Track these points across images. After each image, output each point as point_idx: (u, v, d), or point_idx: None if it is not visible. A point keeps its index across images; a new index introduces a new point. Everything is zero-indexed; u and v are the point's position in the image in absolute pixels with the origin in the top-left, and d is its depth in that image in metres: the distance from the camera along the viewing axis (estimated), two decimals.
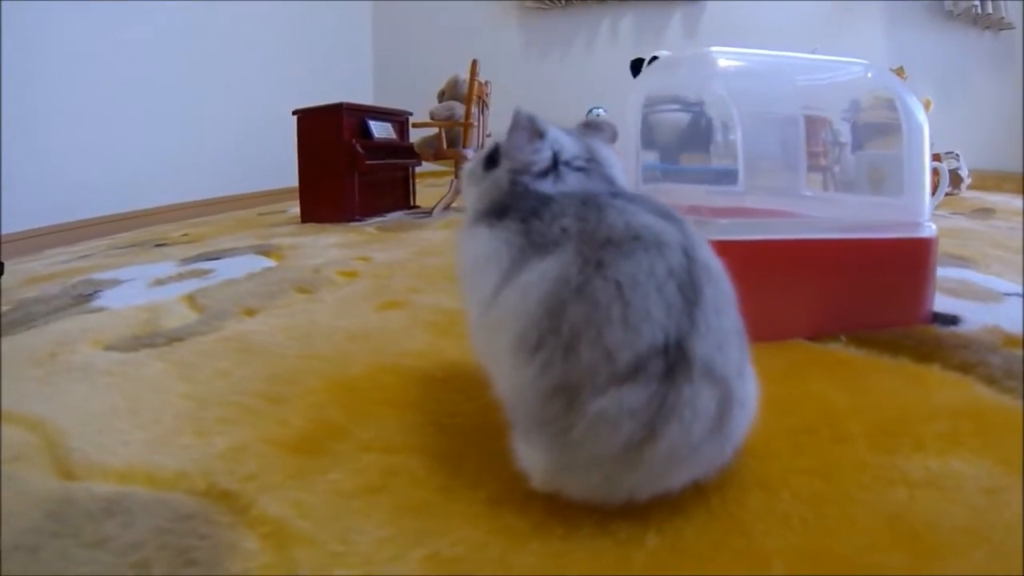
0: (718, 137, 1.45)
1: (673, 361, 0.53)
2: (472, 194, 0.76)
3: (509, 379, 0.60)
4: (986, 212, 2.98)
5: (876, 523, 0.56)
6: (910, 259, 1.12)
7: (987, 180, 4.61)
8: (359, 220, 2.74)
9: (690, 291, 0.56)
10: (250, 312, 1.30)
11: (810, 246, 1.07)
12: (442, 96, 3.09)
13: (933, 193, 2.73)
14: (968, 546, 0.53)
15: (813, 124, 1.74)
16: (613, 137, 0.79)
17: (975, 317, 1.15)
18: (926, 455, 0.67)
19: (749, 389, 0.61)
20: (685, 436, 0.53)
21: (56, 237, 2.67)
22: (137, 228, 3.04)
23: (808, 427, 0.74)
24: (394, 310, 1.27)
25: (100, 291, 1.56)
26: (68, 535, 0.58)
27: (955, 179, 3.80)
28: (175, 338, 1.14)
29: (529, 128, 0.69)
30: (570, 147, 0.71)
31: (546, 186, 0.68)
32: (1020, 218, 2.75)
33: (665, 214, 0.62)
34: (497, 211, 0.68)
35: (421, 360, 0.98)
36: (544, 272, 0.58)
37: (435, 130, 2.90)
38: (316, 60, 4.84)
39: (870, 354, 0.98)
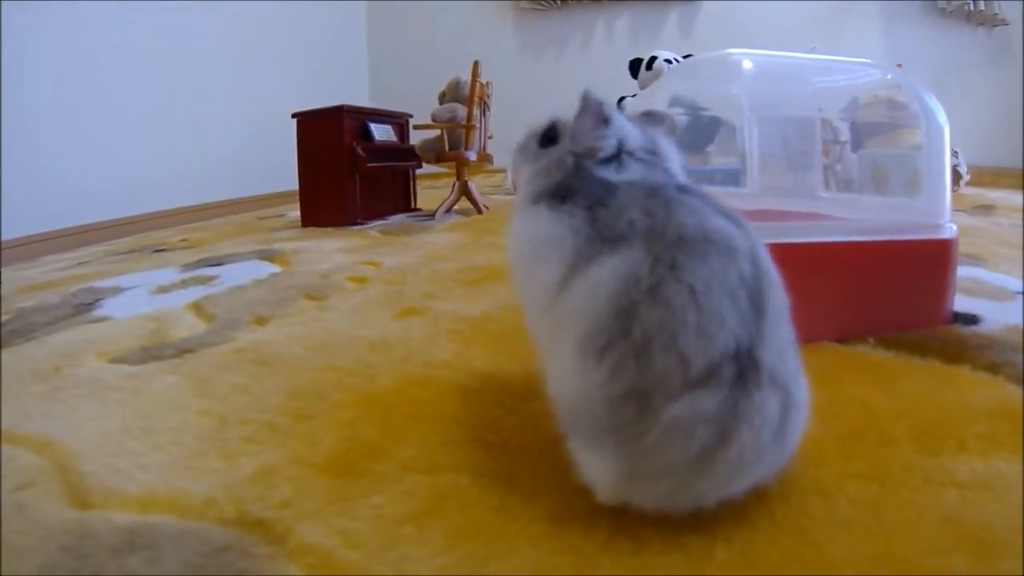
0: (738, 138, 1.44)
1: (744, 368, 0.51)
2: (525, 172, 0.72)
3: (572, 382, 0.56)
4: (987, 209, 2.99)
5: (934, 526, 0.55)
6: (933, 260, 1.11)
7: (984, 176, 4.62)
8: (360, 223, 2.70)
9: (758, 300, 0.54)
10: (261, 321, 1.25)
11: (837, 249, 1.06)
12: (443, 98, 3.04)
13: (955, 189, 2.70)
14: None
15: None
16: (671, 129, 0.75)
17: (994, 316, 1.15)
18: (970, 456, 0.66)
19: (804, 394, 0.59)
20: (754, 441, 0.52)
21: (52, 244, 2.61)
22: (134, 233, 2.99)
23: (854, 432, 0.72)
24: (414, 317, 1.21)
25: (102, 299, 1.51)
26: (90, 571, 0.53)
27: (954, 176, 3.82)
28: (185, 349, 1.09)
29: (597, 113, 0.66)
30: (635, 137, 0.68)
31: (609, 173, 0.64)
32: (1020, 215, 2.75)
33: (732, 217, 0.60)
34: (559, 193, 0.64)
35: (451, 371, 0.93)
36: (614, 268, 0.54)
37: (436, 132, 2.86)
38: (311, 63, 4.80)
39: (899, 356, 0.96)
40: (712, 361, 0.50)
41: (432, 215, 2.86)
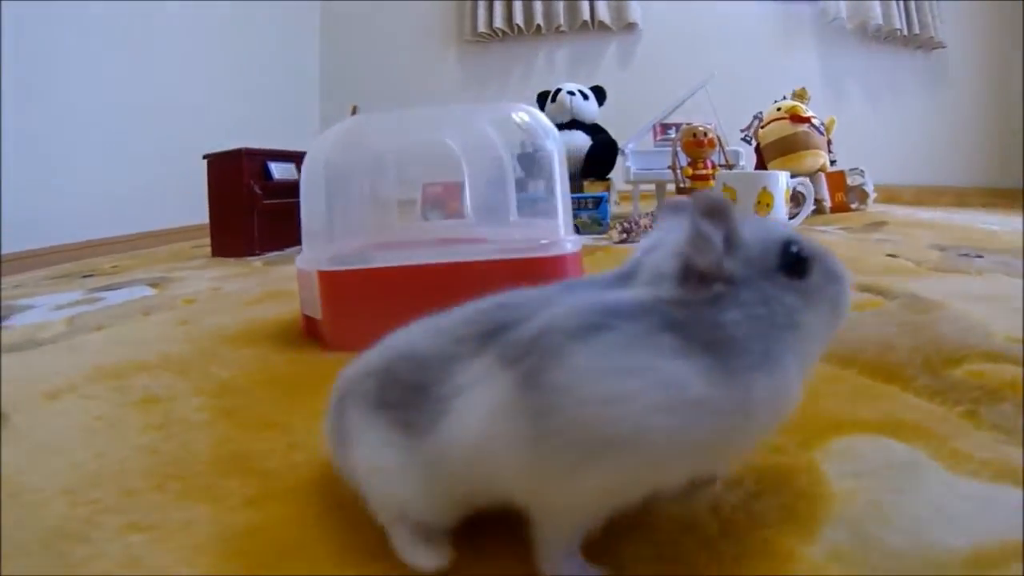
0: None
1: None
2: None
3: None
4: (875, 225, 3.23)
5: None
6: (547, 275, 1.17)
7: (918, 194, 5.05)
8: (258, 254, 3.22)
9: None
10: (100, 328, 1.74)
11: (431, 270, 1.25)
12: None
13: (798, 212, 3.22)
14: None
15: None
16: None
17: None
18: None
19: None
20: None
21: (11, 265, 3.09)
22: (88, 258, 3.47)
23: None
24: (182, 327, 1.68)
25: (12, 315, 2.00)
26: None
27: (861, 195, 4.25)
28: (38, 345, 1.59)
29: None
30: None
31: None
32: (907, 230, 2.98)
33: None
34: None
35: (135, 349, 1.41)
36: None
37: None
38: (265, 97, 5.40)
39: None
40: None
41: None
